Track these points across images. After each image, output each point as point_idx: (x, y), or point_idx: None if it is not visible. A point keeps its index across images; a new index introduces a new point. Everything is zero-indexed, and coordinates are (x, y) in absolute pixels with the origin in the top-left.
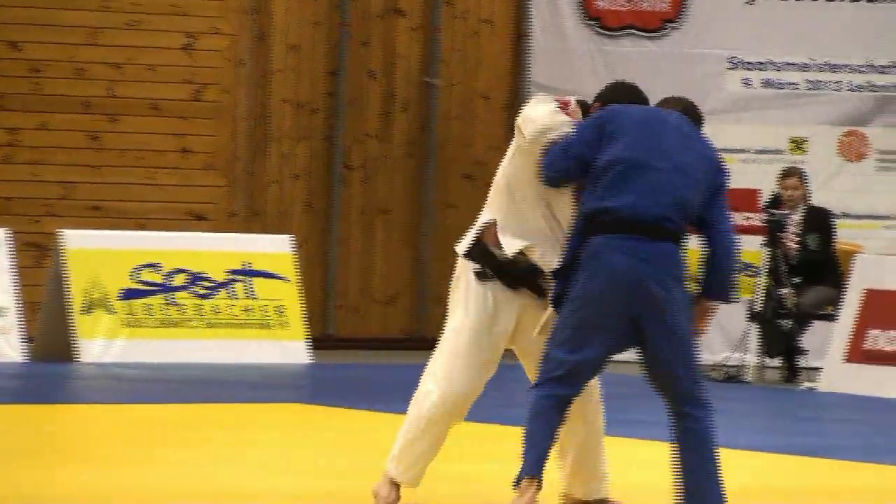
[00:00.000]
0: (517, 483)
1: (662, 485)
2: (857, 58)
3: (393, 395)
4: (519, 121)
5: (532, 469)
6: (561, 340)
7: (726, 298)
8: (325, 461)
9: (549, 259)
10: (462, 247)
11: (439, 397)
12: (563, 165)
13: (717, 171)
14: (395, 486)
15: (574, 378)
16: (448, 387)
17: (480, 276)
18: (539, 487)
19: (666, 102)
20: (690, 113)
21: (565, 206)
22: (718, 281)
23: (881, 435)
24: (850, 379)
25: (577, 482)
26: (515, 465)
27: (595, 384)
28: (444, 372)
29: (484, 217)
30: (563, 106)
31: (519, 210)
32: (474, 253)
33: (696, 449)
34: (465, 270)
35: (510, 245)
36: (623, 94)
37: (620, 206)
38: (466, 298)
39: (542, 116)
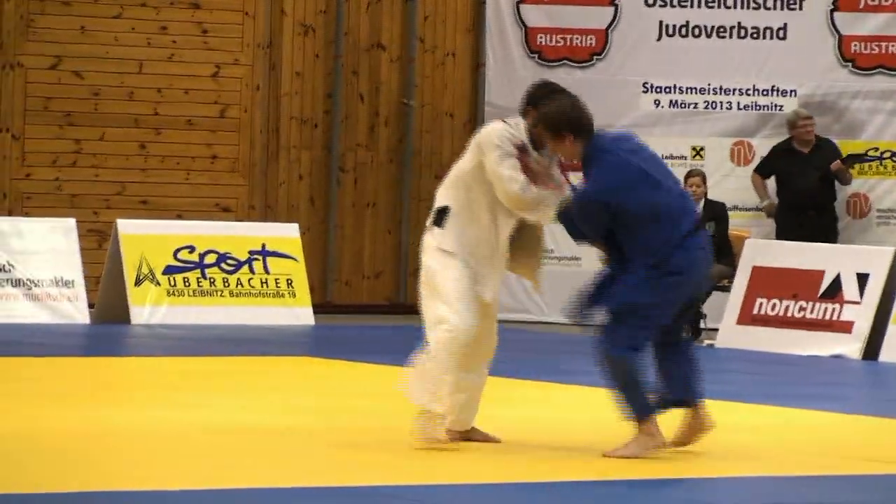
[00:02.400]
0: (646, 418)
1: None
2: (744, 83)
3: (380, 349)
4: (490, 170)
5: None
6: (659, 312)
7: None
8: (329, 402)
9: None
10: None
11: (461, 332)
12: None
13: None
14: (440, 419)
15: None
16: (463, 322)
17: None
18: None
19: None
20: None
21: (506, 216)
22: None
23: (768, 382)
24: (741, 338)
25: (461, 416)
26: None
27: (495, 340)
28: (455, 313)
29: (442, 201)
30: (521, 152)
31: (470, 207)
32: (436, 222)
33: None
34: (433, 243)
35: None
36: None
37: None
38: (449, 256)
39: (517, 188)
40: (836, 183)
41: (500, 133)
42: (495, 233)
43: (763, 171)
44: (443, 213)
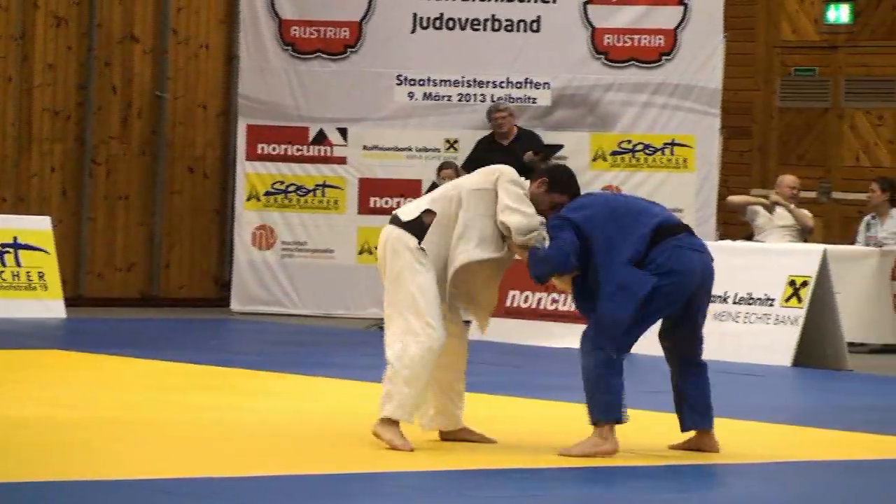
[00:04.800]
0: (613, 420)
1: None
2: (497, 75)
3: (132, 342)
4: (509, 203)
5: (618, 413)
6: (642, 317)
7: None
8: (79, 395)
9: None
10: (406, 216)
11: (433, 344)
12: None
13: None
14: (396, 425)
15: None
16: (434, 333)
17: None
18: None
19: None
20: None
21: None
22: None
23: (522, 374)
24: (494, 330)
25: (449, 415)
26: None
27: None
28: (423, 325)
29: (425, 205)
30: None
31: (449, 221)
32: (414, 226)
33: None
34: (404, 242)
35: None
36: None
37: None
38: (420, 262)
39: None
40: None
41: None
42: (454, 255)
43: (468, 164)
44: (421, 220)
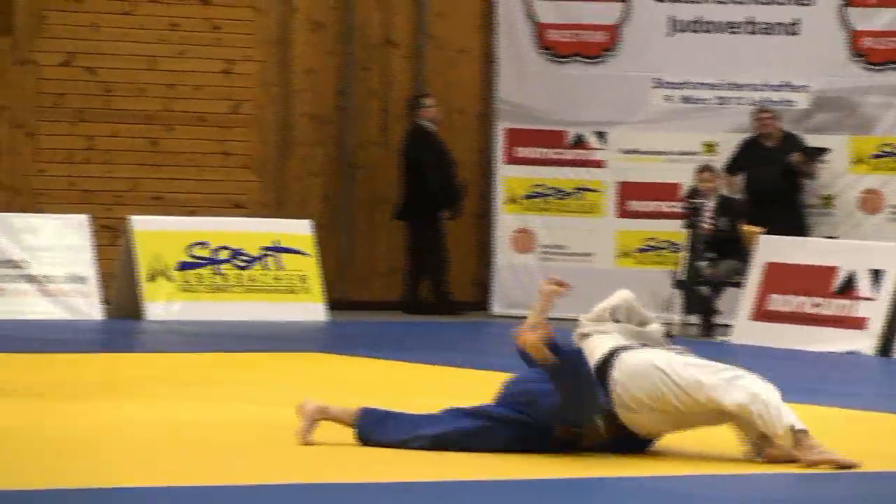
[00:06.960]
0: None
1: None
2: (755, 78)
3: (392, 346)
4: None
5: None
6: None
7: None
8: (339, 398)
9: None
10: None
11: None
12: None
13: None
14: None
15: None
16: None
17: None
18: None
19: None
20: None
21: None
22: None
23: (782, 378)
24: (755, 333)
25: None
26: None
27: None
28: None
29: None
30: None
31: None
32: None
33: None
34: None
35: None
36: None
37: None
38: None
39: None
40: (805, 177)
41: None
42: None
43: (731, 167)
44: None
